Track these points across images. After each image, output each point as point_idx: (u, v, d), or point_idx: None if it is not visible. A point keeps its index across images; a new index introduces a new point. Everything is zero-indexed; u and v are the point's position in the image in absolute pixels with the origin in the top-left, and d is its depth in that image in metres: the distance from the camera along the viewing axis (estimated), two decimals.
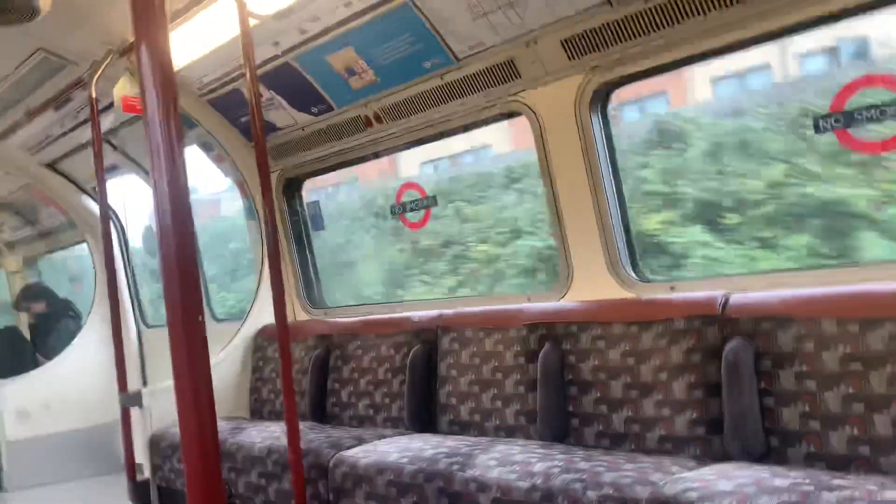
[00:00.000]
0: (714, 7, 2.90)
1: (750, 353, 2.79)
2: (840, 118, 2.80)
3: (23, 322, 7.89)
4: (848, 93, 2.80)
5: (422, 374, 3.99)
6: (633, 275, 3.48)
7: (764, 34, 2.92)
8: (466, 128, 4.07)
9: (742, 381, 2.76)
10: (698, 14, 2.95)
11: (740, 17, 2.90)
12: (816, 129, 2.87)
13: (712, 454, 2.88)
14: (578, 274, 3.62)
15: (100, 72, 4.39)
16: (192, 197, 1.55)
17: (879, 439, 2.48)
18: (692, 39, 3.05)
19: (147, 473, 4.61)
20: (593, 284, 3.55)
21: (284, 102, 4.61)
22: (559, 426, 3.32)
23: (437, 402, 3.94)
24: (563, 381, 3.35)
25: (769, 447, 2.73)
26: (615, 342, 3.21)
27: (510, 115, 3.81)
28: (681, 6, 2.96)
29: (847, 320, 2.59)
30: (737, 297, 2.97)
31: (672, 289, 3.33)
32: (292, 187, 5.19)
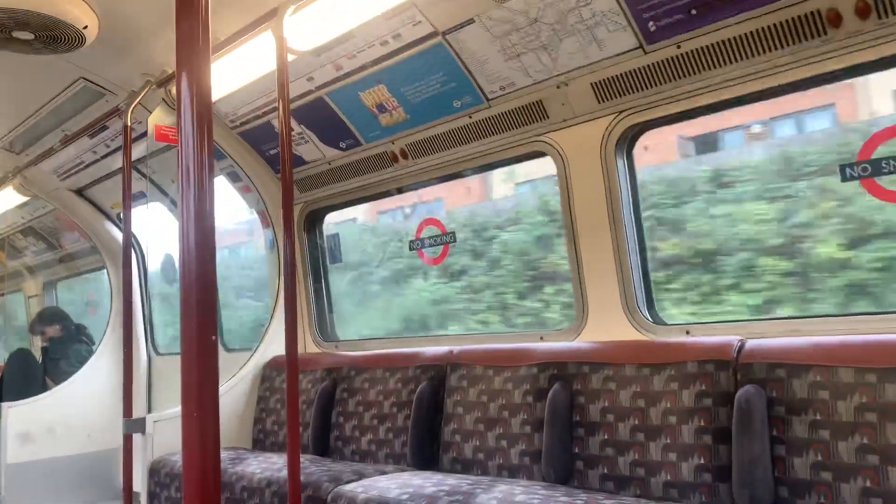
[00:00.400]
0: (744, 56, 3.00)
1: (763, 399, 2.75)
2: (868, 167, 2.85)
3: (36, 346, 7.91)
4: (877, 142, 2.85)
5: (427, 411, 3.94)
6: (649, 317, 3.47)
7: (794, 82, 3.00)
8: (492, 166, 4.16)
9: (753, 428, 2.71)
10: (730, 62, 3.04)
11: (771, 66, 2.98)
12: (843, 176, 2.91)
13: (718, 502, 2.81)
14: (593, 314, 3.62)
15: (136, 101, 4.54)
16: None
17: (893, 492, 2.41)
18: (722, 86, 3.13)
19: (144, 502, 4.54)
20: (608, 325, 3.54)
21: (314, 137, 4.73)
22: (564, 467, 3.26)
23: (441, 439, 3.88)
24: (570, 421, 3.31)
25: (777, 497, 2.66)
26: (626, 384, 3.18)
27: (535, 154, 3.89)
28: (712, 53, 3.06)
29: (864, 369, 2.56)
30: (752, 343, 2.94)
31: (688, 333, 3.31)
32: (314, 220, 5.27)
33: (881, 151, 2.82)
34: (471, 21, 3.48)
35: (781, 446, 2.69)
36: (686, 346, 3.12)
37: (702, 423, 2.91)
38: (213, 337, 1.51)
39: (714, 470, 2.85)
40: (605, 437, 3.18)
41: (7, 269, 9.36)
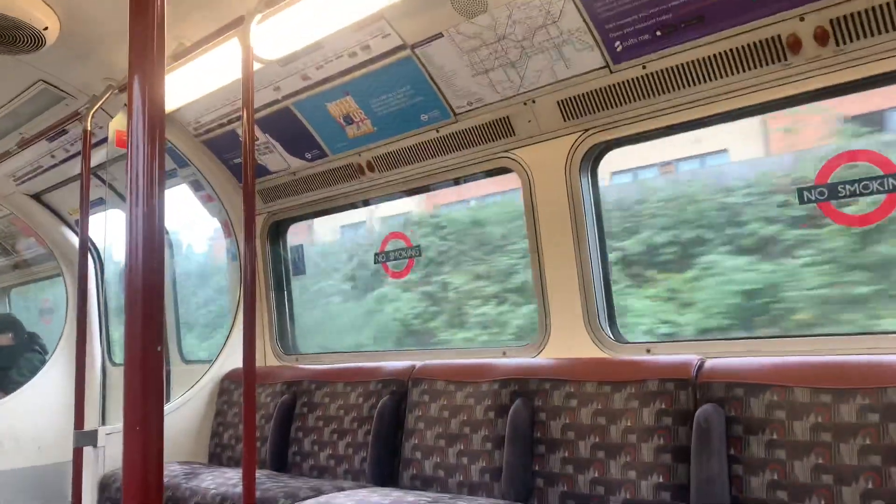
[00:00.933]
0: (708, 78, 3.04)
1: (722, 418, 2.77)
2: (825, 190, 2.90)
3: None
4: (833, 166, 2.91)
5: (388, 426, 3.89)
6: (611, 335, 3.48)
7: (757, 105, 3.05)
8: (458, 181, 4.15)
9: (711, 447, 2.73)
10: (694, 83, 3.09)
11: (733, 89, 3.03)
12: (801, 199, 2.96)
13: None
14: (556, 331, 3.62)
15: (97, 106, 4.45)
16: None
17: None
18: (687, 107, 3.18)
19: None
20: (570, 342, 3.54)
21: (279, 146, 4.68)
22: (524, 485, 3.24)
23: (401, 455, 3.83)
24: (531, 438, 3.29)
25: None
26: (587, 401, 3.17)
27: (501, 170, 3.90)
28: (676, 75, 3.10)
29: (819, 390, 2.60)
30: (712, 363, 2.97)
31: (648, 351, 3.33)
32: (277, 231, 5.20)
33: (838, 175, 2.88)
34: (439, 35, 3.48)
35: (739, 465, 2.71)
36: (646, 365, 3.13)
37: (661, 442, 2.92)
38: (159, 347, 1.47)
39: (673, 488, 2.85)
40: (566, 454, 3.17)
41: None
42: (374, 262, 4.67)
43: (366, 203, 4.74)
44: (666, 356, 3.19)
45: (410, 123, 4.00)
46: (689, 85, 3.10)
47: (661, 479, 2.88)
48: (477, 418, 3.55)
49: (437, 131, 3.95)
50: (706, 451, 2.73)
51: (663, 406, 2.96)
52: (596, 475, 3.05)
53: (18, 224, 7.37)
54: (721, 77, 3.01)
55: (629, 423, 3.02)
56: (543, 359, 3.61)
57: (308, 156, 4.62)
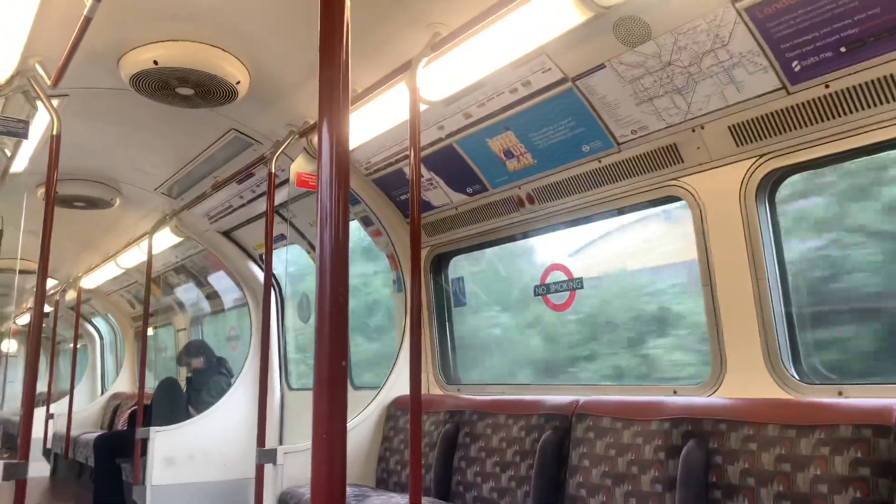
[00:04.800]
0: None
1: None
2: None
3: (181, 376, 8.48)
4: None
5: (551, 461, 3.83)
6: (795, 374, 3.21)
7: None
8: (622, 211, 4.07)
9: None
10: (887, 101, 2.83)
11: None
12: None
13: None
14: (732, 369, 3.40)
15: (280, 150, 4.84)
16: None
17: None
18: (874, 127, 2.92)
19: None
20: (748, 382, 3.31)
21: (442, 182, 4.83)
22: None
23: (565, 492, 3.75)
24: (706, 482, 3.10)
25: None
26: (769, 445, 2.94)
27: (668, 199, 3.77)
28: (864, 93, 2.86)
29: None
30: None
31: (840, 393, 3.04)
32: (439, 263, 5.35)
33: None
34: (601, 66, 3.45)
35: None
36: (837, 408, 2.85)
37: (858, 495, 2.64)
38: (343, 363, 1.58)
39: None
40: (746, 501, 2.94)
41: (160, 303, 10.16)
42: (534, 295, 4.66)
43: (525, 235, 4.76)
44: (861, 400, 2.89)
45: (571, 154, 3.99)
46: (879, 103, 2.84)
47: None
48: (646, 458, 3.40)
49: (600, 161, 3.90)
50: None
51: (859, 455, 2.68)
52: None
53: (210, 259, 8.14)
54: None
55: (818, 472, 2.76)
56: (718, 398, 3.40)
57: (469, 190, 4.73)
